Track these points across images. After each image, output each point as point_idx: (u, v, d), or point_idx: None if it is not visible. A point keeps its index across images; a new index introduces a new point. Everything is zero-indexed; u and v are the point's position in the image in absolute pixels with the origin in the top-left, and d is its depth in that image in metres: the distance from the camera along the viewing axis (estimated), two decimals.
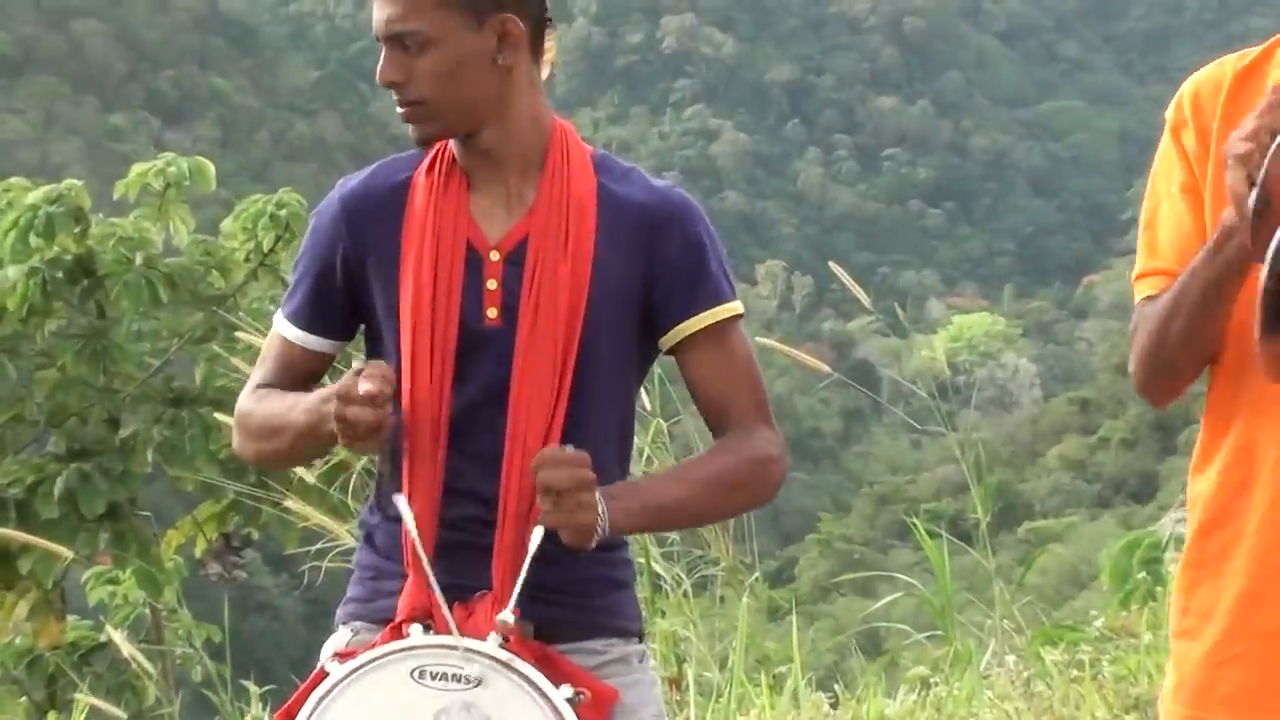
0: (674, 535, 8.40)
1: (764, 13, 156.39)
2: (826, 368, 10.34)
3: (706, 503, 4.42)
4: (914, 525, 9.03)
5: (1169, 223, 4.24)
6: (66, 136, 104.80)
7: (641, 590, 8.21)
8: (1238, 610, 4.18)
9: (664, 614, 8.27)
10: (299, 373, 4.49)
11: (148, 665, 9.52)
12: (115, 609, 11.71)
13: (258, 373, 4.55)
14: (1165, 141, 4.30)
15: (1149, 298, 4.15)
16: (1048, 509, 54.12)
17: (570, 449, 4.04)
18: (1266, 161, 3.47)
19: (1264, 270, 3.50)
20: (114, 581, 11.79)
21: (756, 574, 8.80)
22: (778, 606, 9.37)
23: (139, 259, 12.00)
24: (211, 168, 12.75)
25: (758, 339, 10.95)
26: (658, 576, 8.32)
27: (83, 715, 8.22)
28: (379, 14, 4.24)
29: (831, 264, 10.20)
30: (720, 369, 4.39)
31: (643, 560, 8.22)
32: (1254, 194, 3.48)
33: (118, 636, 9.56)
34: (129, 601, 11.63)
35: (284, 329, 4.49)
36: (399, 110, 4.30)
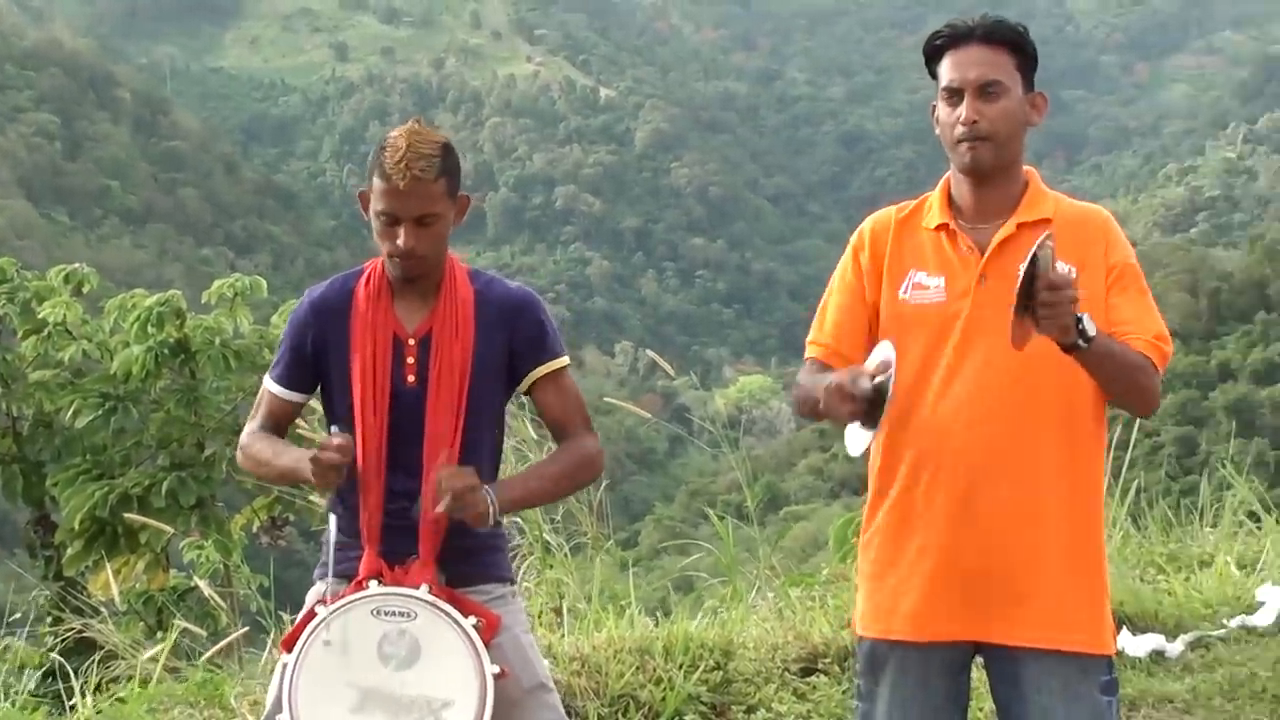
0: (558, 515, 8.40)
1: (619, 183, 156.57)
2: (649, 414, 10.51)
3: (558, 489, 4.67)
4: (710, 512, 9.05)
5: (835, 310, 4.48)
6: (172, 263, 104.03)
7: (536, 552, 8.22)
8: (913, 562, 4.33)
9: (551, 567, 8.23)
10: (279, 415, 4.69)
11: (221, 602, 9.49)
12: (201, 565, 11.64)
13: (254, 416, 4.73)
14: (847, 257, 4.50)
15: (811, 358, 4.45)
16: (798, 499, 54.37)
17: (461, 469, 4.27)
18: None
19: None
20: (200, 547, 11.71)
21: (611, 541, 8.79)
22: (625, 562, 9.37)
23: (217, 341, 11.96)
24: (264, 283, 12.71)
25: (606, 398, 11.06)
26: (547, 543, 8.28)
27: (177, 633, 8.14)
28: (407, 205, 4.35)
29: (648, 351, 10.26)
30: (560, 400, 4.60)
31: (537, 533, 8.21)
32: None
33: (202, 583, 9.54)
34: (210, 560, 11.56)
35: (271, 386, 4.70)
36: (403, 263, 4.43)
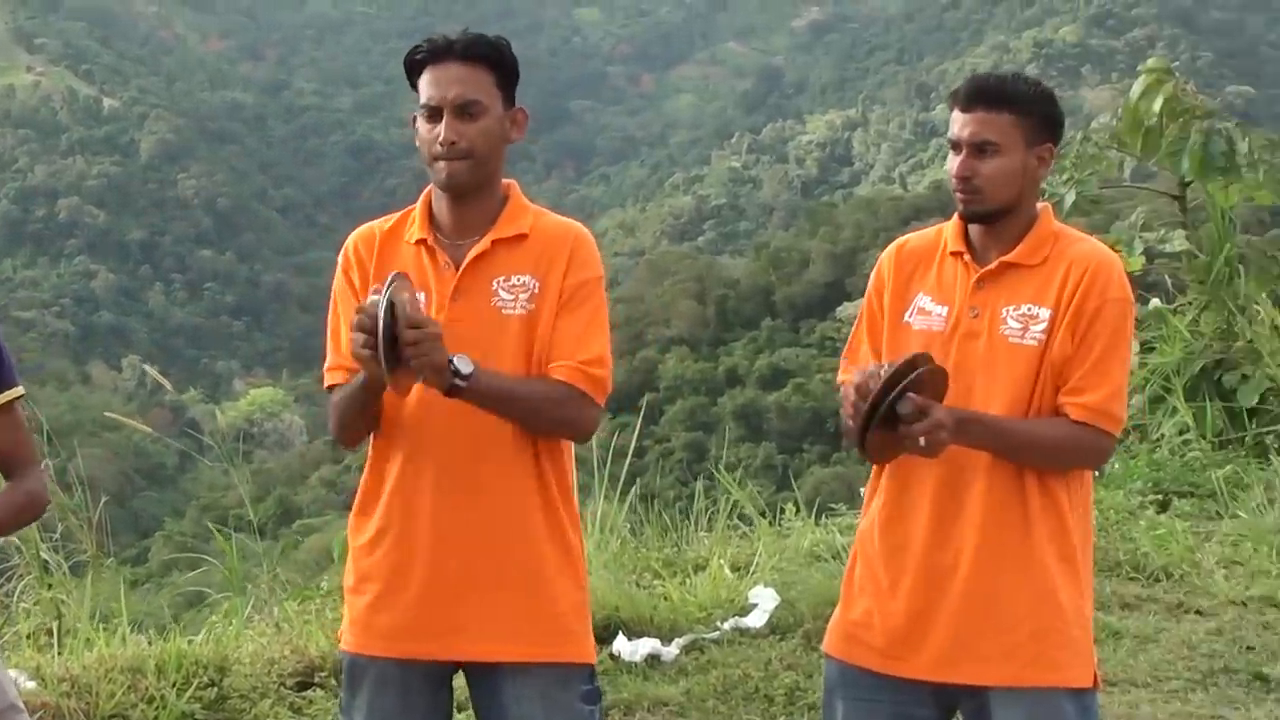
0: (57, 532, 8.15)
1: (125, 195, 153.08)
2: (150, 430, 10.28)
3: (17, 521, 4.44)
4: (215, 529, 8.92)
5: (344, 332, 4.32)
6: None
7: (34, 571, 7.95)
8: (389, 578, 4.36)
9: (50, 586, 7.98)
10: None
11: None
12: None
13: None
14: (339, 279, 4.42)
15: (331, 385, 4.38)
16: (311, 511, 54.06)
17: None
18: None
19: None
20: None
21: (111, 559, 8.60)
22: (136, 579, 9.16)
23: None
24: None
25: (107, 413, 10.81)
26: (45, 562, 8.03)
27: None
28: None
29: (146, 367, 10.12)
30: (12, 433, 4.37)
31: (34, 551, 7.95)
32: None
33: None
34: None
35: None
36: None
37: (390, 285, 3.96)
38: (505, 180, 4.45)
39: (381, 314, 3.91)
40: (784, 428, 67.05)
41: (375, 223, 4.51)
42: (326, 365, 4.45)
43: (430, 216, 4.42)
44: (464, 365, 4.07)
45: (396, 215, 4.50)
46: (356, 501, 4.47)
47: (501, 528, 4.31)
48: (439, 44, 4.32)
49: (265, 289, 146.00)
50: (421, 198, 4.46)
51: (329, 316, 4.47)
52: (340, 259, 4.47)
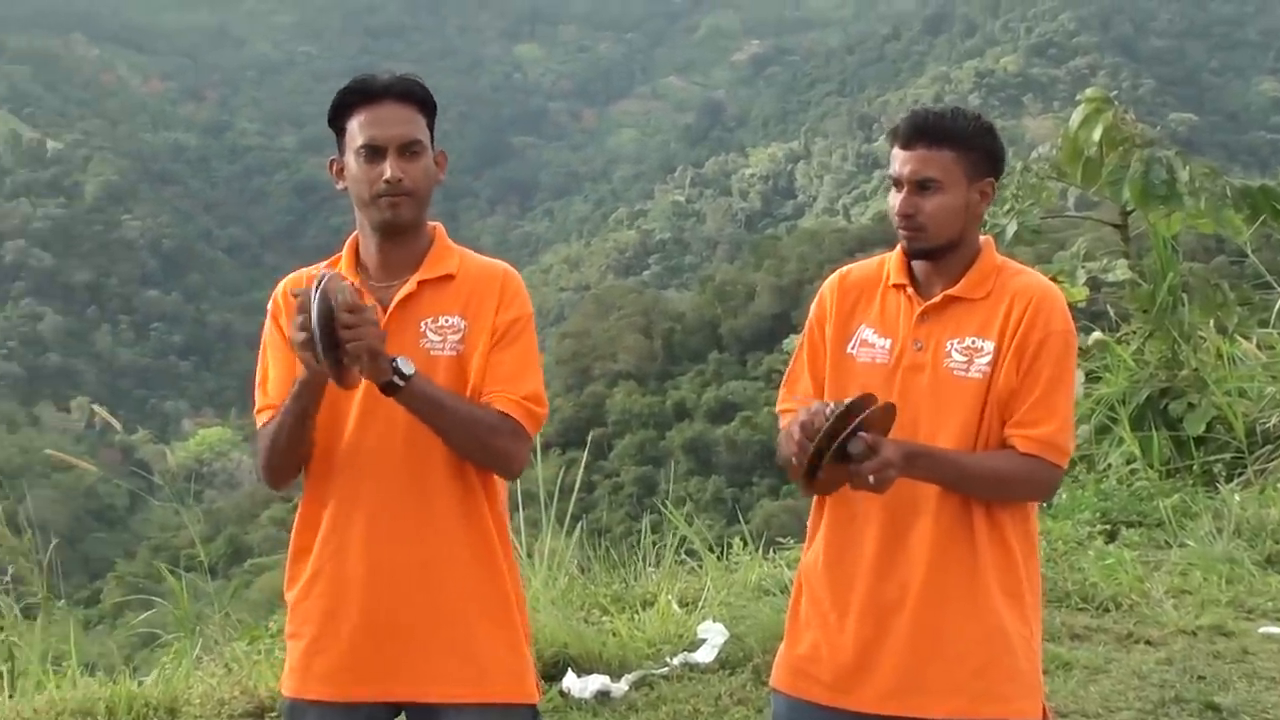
0: (8, 575, 8.13)
1: (70, 237, 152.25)
2: (94, 469, 10.22)
3: None
4: (166, 569, 8.84)
5: (275, 371, 4.38)
6: None
7: None
8: (325, 621, 4.38)
9: (1, 629, 7.93)
10: None
11: None
12: None
13: None
14: (269, 324, 4.46)
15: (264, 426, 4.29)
16: (263, 550, 53.69)
17: None
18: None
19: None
20: None
21: (62, 601, 8.53)
22: (89, 621, 9.08)
23: None
24: None
25: (49, 450, 10.73)
26: None
27: None
28: None
29: (95, 407, 10.06)
30: None
31: None
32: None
33: None
34: None
35: None
36: None
37: (323, 279, 3.94)
38: (431, 223, 4.45)
39: (315, 301, 3.89)
40: (733, 461, 67.00)
41: (304, 270, 4.49)
42: (256, 409, 4.41)
43: (357, 260, 4.42)
44: (406, 366, 4.07)
45: (325, 262, 4.48)
46: (291, 549, 4.44)
47: (435, 569, 4.30)
48: (374, 85, 4.34)
49: (212, 329, 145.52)
50: (348, 243, 4.46)
51: (259, 362, 4.45)
52: (270, 305, 4.45)
